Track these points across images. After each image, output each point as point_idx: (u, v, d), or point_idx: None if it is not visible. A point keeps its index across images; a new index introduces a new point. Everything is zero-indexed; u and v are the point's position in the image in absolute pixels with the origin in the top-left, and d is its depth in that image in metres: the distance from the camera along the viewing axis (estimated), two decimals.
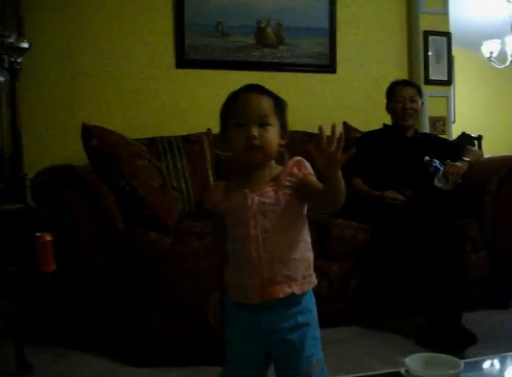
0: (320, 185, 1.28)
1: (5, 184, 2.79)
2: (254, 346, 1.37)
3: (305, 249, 1.37)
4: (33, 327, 2.44)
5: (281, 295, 1.32)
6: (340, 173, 1.19)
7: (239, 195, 1.34)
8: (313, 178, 1.33)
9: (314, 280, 1.39)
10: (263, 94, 1.36)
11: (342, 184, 1.21)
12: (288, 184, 1.33)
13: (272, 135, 1.34)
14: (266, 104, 1.35)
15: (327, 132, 1.16)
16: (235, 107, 1.35)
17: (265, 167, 1.37)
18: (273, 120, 1.35)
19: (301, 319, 1.34)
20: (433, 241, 2.60)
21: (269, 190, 1.33)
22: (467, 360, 1.27)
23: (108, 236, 2.47)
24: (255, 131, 1.31)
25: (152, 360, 2.30)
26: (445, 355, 1.18)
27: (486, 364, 1.54)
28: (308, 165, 1.34)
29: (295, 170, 1.33)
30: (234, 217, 1.36)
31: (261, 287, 1.32)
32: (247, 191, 1.33)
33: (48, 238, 2.17)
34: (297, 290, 1.34)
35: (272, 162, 1.39)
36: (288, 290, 1.32)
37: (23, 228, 2.60)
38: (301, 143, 3.23)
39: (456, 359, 1.14)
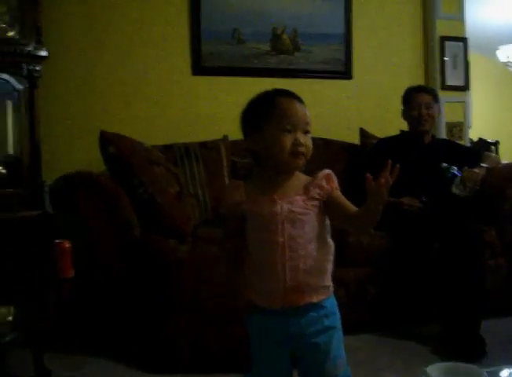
0: (347, 204, 1.35)
1: (24, 191, 2.82)
2: (281, 351, 1.40)
3: (328, 260, 1.40)
4: (51, 333, 2.45)
5: (301, 303, 1.35)
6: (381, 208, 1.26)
7: (266, 200, 1.35)
8: (340, 194, 1.38)
9: (331, 289, 1.42)
10: (302, 102, 1.39)
11: (379, 216, 1.27)
12: (317, 196, 1.36)
13: (311, 143, 1.37)
14: (307, 112, 1.38)
15: None
16: (282, 112, 1.35)
17: (293, 174, 1.39)
18: (311, 128, 1.38)
19: (327, 322, 1.38)
20: (450, 248, 2.58)
21: (298, 199, 1.35)
22: (489, 369, 1.25)
23: (126, 243, 2.48)
24: (302, 138, 1.34)
25: (169, 366, 2.30)
26: (466, 364, 1.17)
27: (506, 373, 1.52)
28: (335, 179, 1.39)
29: (324, 183, 1.36)
30: (260, 222, 1.37)
31: (283, 294, 1.34)
32: (276, 197, 1.35)
33: (67, 245, 2.18)
34: (315, 299, 1.37)
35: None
36: (308, 299, 1.35)
37: (42, 234, 2.61)
38: (317, 149, 3.22)
39: (478, 368, 1.13)
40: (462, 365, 1.17)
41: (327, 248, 1.40)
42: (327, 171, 1.39)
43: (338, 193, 1.38)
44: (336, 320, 1.41)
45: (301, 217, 1.34)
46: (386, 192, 1.24)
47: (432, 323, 2.65)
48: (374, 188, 1.23)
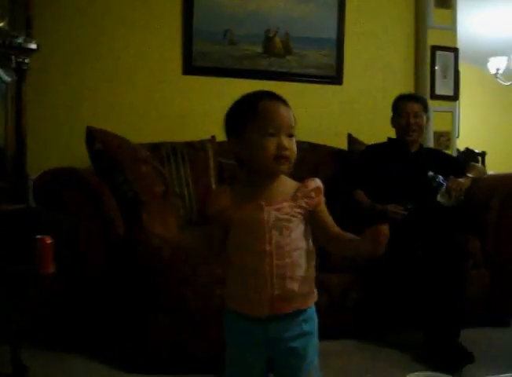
0: (329, 221, 1.38)
1: (7, 184, 2.79)
2: (258, 355, 1.38)
3: (312, 266, 1.39)
4: (30, 329, 2.42)
5: (289, 311, 1.34)
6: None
7: (252, 206, 1.33)
8: (325, 209, 1.39)
9: (316, 295, 1.42)
10: (287, 105, 1.36)
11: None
12: (304, 205, 1.34)
13: (295, 146, 1.34)
14: (292, 115, 1.35)
15: None
16: (264, 115, 1.31)
17: (278, 179, 1.36)
18: (295, 131, 1.36)
19: (305, 327, 1.37)
20: (434, 256, 2.59)
21: (285, 206, 1.33)
22: None
23: (109, 240, 2.46)
24: (286, 142, 1.31)
25: (149, 367, 2.28)
26: (445, 375, 1.17)
27: None
28: (323, 192, 1.38)
29: (313, 194, 1.35)
30: (246, 229, 1.34)
31: (270, 302, 1.32)
32: (263, 203, 1.32)
33: (48, 240, 2.15)
34: (302, 305, 1.36)
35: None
36: (294, 306, 1.35)
37: (24, 228, 2.58)
38: (303, 153, 3.23)
39: None
40: (440, 376, 1.16)
41: (311, 255, 1.38)
42: (318, 183, 1.37)
43: (323, 208, 1.37)
44: (314, 325, 1.40)
45: (287, 225, 1.32)
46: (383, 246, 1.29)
47: (414, 331, 2.66)
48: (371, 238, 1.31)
